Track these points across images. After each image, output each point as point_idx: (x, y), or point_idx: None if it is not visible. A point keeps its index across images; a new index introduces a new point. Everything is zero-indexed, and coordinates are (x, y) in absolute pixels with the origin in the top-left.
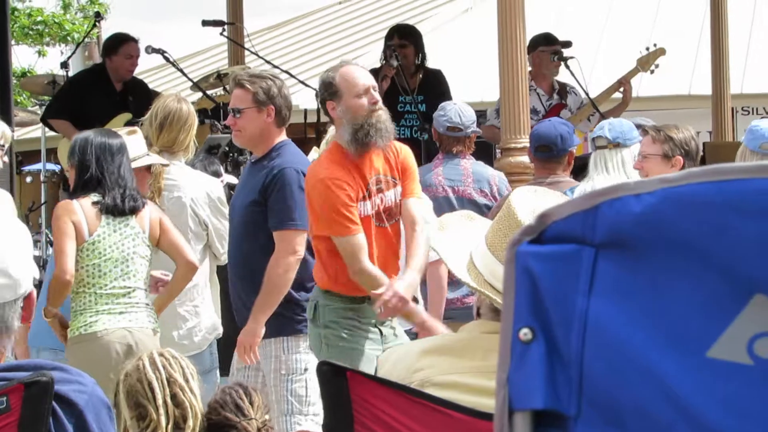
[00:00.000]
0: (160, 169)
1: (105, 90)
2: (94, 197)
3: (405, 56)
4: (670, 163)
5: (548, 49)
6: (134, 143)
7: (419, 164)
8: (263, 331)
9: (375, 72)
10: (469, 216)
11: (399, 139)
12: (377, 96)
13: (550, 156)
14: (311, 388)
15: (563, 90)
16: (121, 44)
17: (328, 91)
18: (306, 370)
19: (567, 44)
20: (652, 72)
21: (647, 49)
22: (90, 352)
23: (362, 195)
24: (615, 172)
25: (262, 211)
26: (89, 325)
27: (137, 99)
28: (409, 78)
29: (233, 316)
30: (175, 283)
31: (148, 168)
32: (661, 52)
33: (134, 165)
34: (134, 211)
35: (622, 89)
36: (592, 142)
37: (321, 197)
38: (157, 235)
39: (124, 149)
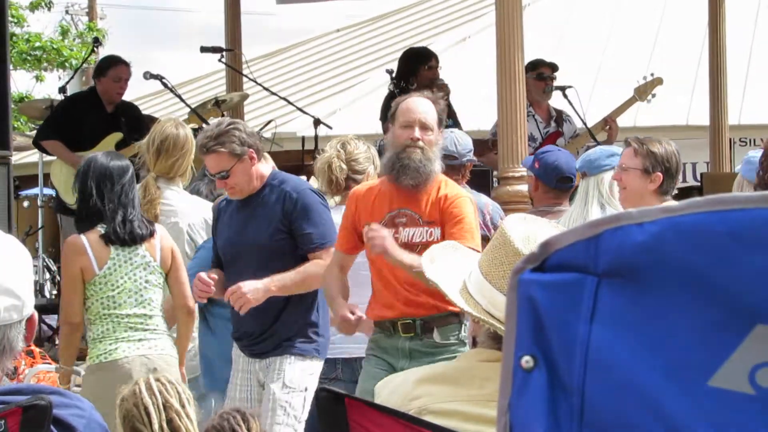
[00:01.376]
0: (157, 195)
1: (96, 111)
2: (101, 229)
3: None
4: (650, 178)
5: (532, 73)
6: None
7: None
8: (265, 297)
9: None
10: (454, 246)
11: None
12: (419, 134)
13: (569, 187)
14: (306, 407)
15: (560, 117)
16: (110, 67)
17: (390, 112)
18: (306, 389)
19: (554, 67)
20: (648, 101)
21: (644, 78)
22: (110, 380)
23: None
24: (578, 201)
25: (286, 238)
26: (109, 353)
27: (128, 120)
28: None
29: None
30: (181, 334)
31: None
32: (659, 81)
33: None
34: (139, 240)
35: (608, 127)
36: None
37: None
38: (169, 264)
39: (124, 173)
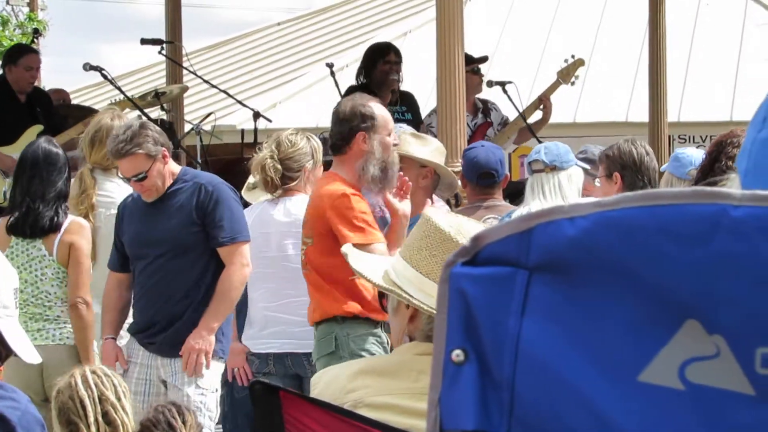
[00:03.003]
0: (91, 185)
1: (10, 103)
2: (12, 218)
3: (397, 72)
4: (613, 180)
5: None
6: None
7: None
8: (211, 336)
9: (361, 88)
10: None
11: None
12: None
13: (492, 183)
14: (218, 408)
15: (486, 108)
16: (20, 56)
17: (368, 122)
18: (216, 390)
19: (483, 59)
20: (572, 84)
21: (566, 60)
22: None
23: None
24: (551, 195)
25: (198, 231)
26: None
27: (44, 109)
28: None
29: None
30: (73, 329)
31: None
32: (580, 63)
33: None
34: (39, 233)
35: (542, 106)
36: (528, 166)
37: (353, 207)
38: (66, 259)
39: (38, 162)
